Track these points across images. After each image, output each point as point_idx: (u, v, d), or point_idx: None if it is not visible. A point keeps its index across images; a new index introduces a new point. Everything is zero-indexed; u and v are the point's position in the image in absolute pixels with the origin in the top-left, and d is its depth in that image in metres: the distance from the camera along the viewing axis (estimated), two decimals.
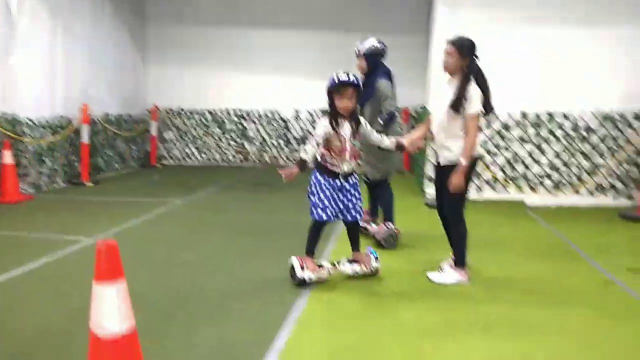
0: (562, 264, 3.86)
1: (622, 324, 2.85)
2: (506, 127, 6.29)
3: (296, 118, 9.92)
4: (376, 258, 3.52)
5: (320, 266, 3.41)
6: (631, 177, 6.00)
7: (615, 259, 4.00)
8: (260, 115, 10.00)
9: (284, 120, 9.95)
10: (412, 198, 6.47)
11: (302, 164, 3.20)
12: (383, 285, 3.45)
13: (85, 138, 7.47)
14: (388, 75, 4.37)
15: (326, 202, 3.35)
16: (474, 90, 3.32)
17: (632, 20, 5.81)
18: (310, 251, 3.45)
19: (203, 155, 10.28)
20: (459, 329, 2.75)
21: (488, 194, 6.39)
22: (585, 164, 6.09)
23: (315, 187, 3.39)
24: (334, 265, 3.46)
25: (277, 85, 9.78)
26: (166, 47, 10.01)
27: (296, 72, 9.64)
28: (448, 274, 3.51)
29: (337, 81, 3.24)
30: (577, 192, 6.12)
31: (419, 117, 9.07)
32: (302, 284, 3.29)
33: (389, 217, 4.43)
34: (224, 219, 5.45)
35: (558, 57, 5.86)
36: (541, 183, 6.23)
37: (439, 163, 3.53)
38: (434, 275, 3.55)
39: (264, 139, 10.07)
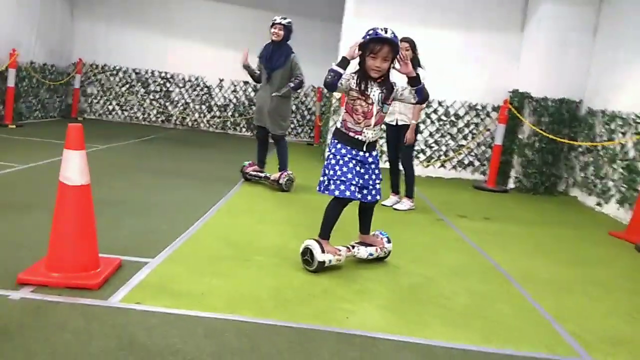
0: (416, 212, 5.05)
1: (441, 243, 4.07)
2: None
3: (220, 87, 10.64)
4: (388, 239, 3.34)
5: (338, 250, 3.08)
6: (485, 157, 7.45)
7: (453, 210, 5.28)
8: (184, 80, 10.61)
9: (207, 87, 10.64)
10: (316, 162, 7.56)
11: (342, 61, 2.85)
12: (288, 197, 4.49)
13: (11, 82, 7.77)
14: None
15: (349, 176, 2.93)
16: (421, 74, 4.57)
17: (501, 29, 7.20)
18: (326, 234, 3.07)
19: (125, 112, 10.72)
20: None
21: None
22: (452, 143, 7.46)
23: (336, 159, 2.98)
24: (348, 248, 3.16)
25: (204, 53, 10.40)
26: (95, 3, 10.31)
27: (222, 43, 10.31)
28: (403, 204, 5.04)
29: (373, 36, 2.77)
30: (443, 166, 7.48)
31: (327, 95, 10.16)
32: (320, 268, 2.96)
33: (285, 166, 5.42)
34: (145, 164, 6.21)
35: (440, 55, 7.12)
36: (416, 157, 7.54)
37: (397, 124, 4.91)
38: (397, 205, 5.04)
39: (187, 103, 10.71)
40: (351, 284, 2.91)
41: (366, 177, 3.05)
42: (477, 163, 7.51)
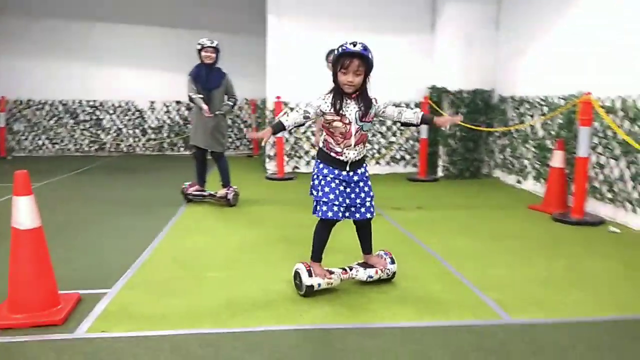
0: None
1: (378, 236, 4.42)
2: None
3: (151, 109, 10.61)
4: (392, 260, 3.16)
5: (330, 272, 3.00)
6: (415, 150, 7.95)
7: (389, 203, 5.67)
8: (114, 106, 10.51)
9: (139, 111, 10.58)
10: (258, 174, 7.78)
11: (277, 126, 2.84)
12: (234, 211, 4.70)
13: None
14: None
15: (331, 197, 2.87)
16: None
17: (414, 30, 7.70)
18: (317, 257, 3.01)
19: (55, 145, 10.48)
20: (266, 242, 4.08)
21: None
22: (383, 141, 7.91)
23: (319, 179, 2.93)
24: (344, 270, 3.05)
25: (131, 77, 10.37)
26: (14, 39, 10.03)
27: (149, 66, 10.34)
28: None
29: (341, 52, 2.74)
30: (378, 163, 7.92)
31: (261, 107, 10.41)
32: (310, 292, 2.90)
33: (228, 182, 5.62)
34: (86, 196, 6.21)
35: None
36: None
37: None
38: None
39: (119, 129, 10.60)
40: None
41: (352, 195, 2.95)
42: (408, 157, 8.00)
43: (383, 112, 2.93)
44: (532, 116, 6.32)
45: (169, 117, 10.67)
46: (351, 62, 2.73)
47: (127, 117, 10.58)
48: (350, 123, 2.83)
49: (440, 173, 7.47)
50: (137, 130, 10.64)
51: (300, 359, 2.27)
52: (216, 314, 2.74)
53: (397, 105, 3.01)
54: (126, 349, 2.33)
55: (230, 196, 5.45)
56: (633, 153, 4.50)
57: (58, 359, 2.24)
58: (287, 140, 7.80)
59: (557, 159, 5.29)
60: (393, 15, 7.66)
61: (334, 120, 2.83)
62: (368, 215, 3.02)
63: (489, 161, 7.45)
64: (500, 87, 7.16)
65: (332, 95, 2.84)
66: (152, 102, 10.57)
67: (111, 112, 10.53)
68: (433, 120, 2.96)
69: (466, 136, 7.27)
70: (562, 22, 5.69)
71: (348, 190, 2.95)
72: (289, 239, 4.21)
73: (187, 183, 5.70)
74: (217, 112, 5.39)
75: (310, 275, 2.90)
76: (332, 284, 2.98)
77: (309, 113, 2.84)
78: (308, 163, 7.96)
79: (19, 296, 2.58)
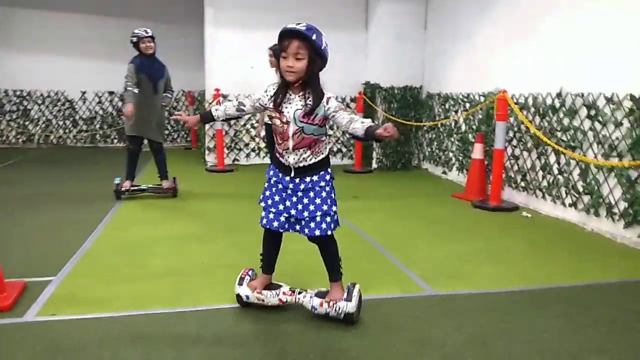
0: None
1: None
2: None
3: (83, 99, 10.29)
4: (347, 297, 2.53)
5: (273, 287, 2.71)
6: (351, 143, 8.30)
7: None
8: (43, 96, 10.10)
9: (69, 101, 10.24)
10: (197, 166, 7.82)
11: (205, 115, 2.63)
12: (174, 204, 4.79)
13: None
14: None
15: (269, 202, 2.53)
16: None
17: (349, 28, 8.03)
18: (264, 268, 2.73)
19: None
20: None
21: (254, 160, 8.12)
22: None
23: (266, 183, 2.59)
24: (291, 292, 2.68)
25: (60, 66, 10.01)
26: None
27: (79, 54, 10.02)
28: None
29: (281, 33, 2.33)
30: None
31: (200, 99, 10.40)
32: (240, 301, 2.69)
33: (166, 174, 5.66)
34: (15, 191, 6.04)
35: None
36: None
37: None
38: None
39: (48, 120, 10.21)
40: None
41: (299, 207, 2.47)
42: (344, 149, 8.34)
43: (333, 116, 2.38)
44: (456, 112, 6.82)
45: (101, 108, 10.41)
46: (290, 43, 2.29)
47: (56, 108, 10.21)
48: (288, 122, 2.39)
49: (374, 165, 7.86)
50: (67, 122, 10.30)
51: (243, 334, 2.48)
52: (163, 296, 2.89)
53: (346, 111, 2.41)
54: (77, 331, 2.44)
55: (176, 186, 5.51)
56: (542, 146, 5.04)
57: (9, 342, 2.32)
58: (226, 133, 7.90)
59: (477, 151, 5.78)
60: (330, 11, 7.93)
61: (273, 117, 2.44)
62: (317, 232, 2.47)
63: (418, 154, 7.93)
64: (428, 84, 7.63)
65: (276, 87, 2.44)
66: (84, 92, 10.27)
67: (39, 102, 10.12)
68: (376, 132, 2.23)
69: (398, 130, 7.68)
70: (481, 24, 6.19)
71: (294, 199, 2.48)
72: (233, 229, 4.38)
73: (118, 180, 5.45)
74: (163, 103, 5.44)
75: (240, 283, 2.68)
76: (263, 301, 2.64)
77: (244, 106, 2.55)
78: (247, 155, 8.10)
79: None
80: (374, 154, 7.85)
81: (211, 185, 6.40)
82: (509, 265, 3.54)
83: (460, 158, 6.67)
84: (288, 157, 2.46)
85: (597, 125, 4.37)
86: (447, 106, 7.03)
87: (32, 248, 3.73)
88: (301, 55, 2.30)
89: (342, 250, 3.11)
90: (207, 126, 8.00)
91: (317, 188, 2.48)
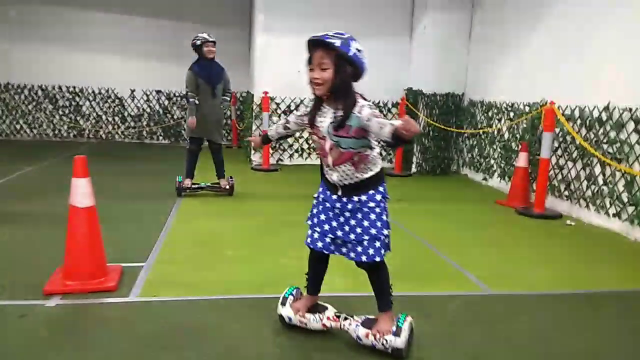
0: None
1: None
2: None
3: (132, 97, 10.76)
4: (396, 331, 2.27)
5: (318, 309, 2.53)
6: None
7: None
8: (94, 92, 10.60)
9: (119, 98, 10.71)
10: (243, 165, 8.17)
11: (264, 137, 2.67)
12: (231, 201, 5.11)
13: None
14: None
15: (316, 221, 2.37)
16: None
17: (393, 35, 8.26)
18: (309, 289, 2.57)
19: (34, 130, 10.49)
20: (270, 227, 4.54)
21: (297, 160, 8.43)
22: None
23: (314, 200, 2.43)
24: (336, 317, 2.48)
25: (112, 65, 10.48)
26: None
27: (132, 54, 10.48)
28: None
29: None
30: None
31: (242, 100, 10.76)
32: (283, 322, 2.56)
33: (224, 173, 5.98)
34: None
35: None
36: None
37: None
38: None
39: (98, 116, 10.71)
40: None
41: (346, 228, 2.28)
42: (384, 153, 8.59)
43: (367, 125, 2.11)
44: (499, 120, 7.00)
45: (148, 106, 10.85)
46: (313, 53, 2.17)
47: (106, 104, 10.69)
48: (324, 138, 2.25)
49: (414, 169, 8.08)
50: (116, 118, 10.77)
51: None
52: (246, 283, 3.19)
53: (378, 118, 2.10)
54: (178, 310, 2.76)
55: (233, 185, 5.82)
56: (588, 157, 5.21)
57: (124, 318, 2.65)
58: None
59: (521, 160, 5.96)
60: (376, 19, 8.18)
61: (311, 133, 2.34)
62: (363, 258, 2.26)
63: (457, 159, 8.12)
64: (471, 92, 7.82)
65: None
66: (133, 90, 10.72)
67: (91, 98, 10.61)
68: (397, 130, 1.94)
69: (438, 135, 7.90)
70: (530, 35, 6.37)
71: (341, 220, 2.30)
72: (290, 224, 4.67)
73: (180, 178, 5.67)
74: (222, 105, 5.75)
75: (283, 303, 2.56)
76: (306, 325, 2.49)
77: (289, 123, 2.51)
78: (291, 156, 8.42)
79: (75, 266, 2.94)
80: (414, 158, 8.07)
81: (260, 184, 6.72)
82: (559, 270, 3.74)
83: (502, 165, 6.85)
84: (332, 174, 2.28)
85: None
86: (490, 114, 7.21)
87: (118, 236, 4.08)
88: (326, 64, 2.15)
89: (399, 250, 3.09)
90: (253, 127, 8.35)
91: (365, 209, 2.25)
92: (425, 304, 2.99)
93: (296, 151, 8.44)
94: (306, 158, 8.44)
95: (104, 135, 10.76)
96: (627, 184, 4.72)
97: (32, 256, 3.54)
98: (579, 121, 5.38)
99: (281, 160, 8.39)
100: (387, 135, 2.00)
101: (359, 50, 2.18)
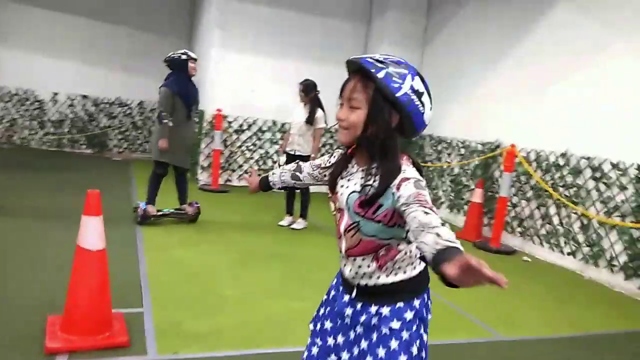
0: (308, 230, 5.79)
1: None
2: (261, 130, 8.17)
3: (54, 101, 9.78)
4: None
5: None
6: None
7: None
8: (11, 93, 9.49)
9: (39, 102, 9.69)
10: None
11: (264, 181, 1.88)
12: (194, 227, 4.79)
13: None
14: None
15: (319, 328, 1.63)
16: (319, 113, 5.47)
17: None
18: None
19: None
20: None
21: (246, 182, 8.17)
22: None
23: (325, 295, 1.69)
24: None
25: (35, 64, 9.48)
26: None
27: (56, 54, 9.56)
28: (299, 223, 5.75)
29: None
30: None
31: None
32: None
33: (186, 199, 5.57)
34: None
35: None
36: None
37: (294, 154, 5.52)
38: (294, 225, 5.71)
39: (14, 119, 9.59)
40: None
41: (355, 351, 1.52)
42: None
43: (404, 211, 1.32)
44: (449, 154, 7.33)
45: (72, 112, 9.93)
46: (346, 83, 1.48)
47: (24, 107, 9.61)
48: (341, 210, 1.54)
49: None
50: (34, 122, 9.72)
51: None
52: (257, 331, 2.98)
53: (424, 207, 1.28)
54: None
55: (199, 211, 5.45)
56: (543, 197, 5.61)
57: None
58: (222, 153, 7.89)
59: (477, 196, 6.28)
60: (336, 41, 8.22)
61: (330, 198, 1.63)
62: None
63: None
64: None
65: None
66: (55, 94, 9.75)
67: (6, 99, 9.48)
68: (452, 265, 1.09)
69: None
70: (485, 77, 6.77)
71: (351, 336, 1.54)
72: (275, 257, 4.48)
73: (141, 203, 5.11)
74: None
75: None
76: None
77: (301, 173, 1.80)
78: (240, 177, 8.14)
79: (80, 317, 2.56)
80: None
81: (216, 208, 6.35)
82: (536, 309, 3.94)
83: (452, 198, 7.17)
84: (345, 265, 1.56)
85: (601, 186, 4.98)
86: (439, 148, 7.53)
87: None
88: (357, 101, 1.43)
89: None
90: (202, 145, 7.97)
91: (384, 329, 1.46)
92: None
93: (245, 172, 8.18)
94: None
95: (18, 141, 9.64)
96: (583, 226, 5.15)
97: None
98: (535, 164, 5.79)
99: (229, 180, 8.08)
100: (427, 251, 1.16)
101: (417, 93, 1.41)
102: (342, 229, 1.54)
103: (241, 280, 3.81)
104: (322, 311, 1.65)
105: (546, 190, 5.48)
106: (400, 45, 7.98)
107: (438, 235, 1.17)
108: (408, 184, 1.36)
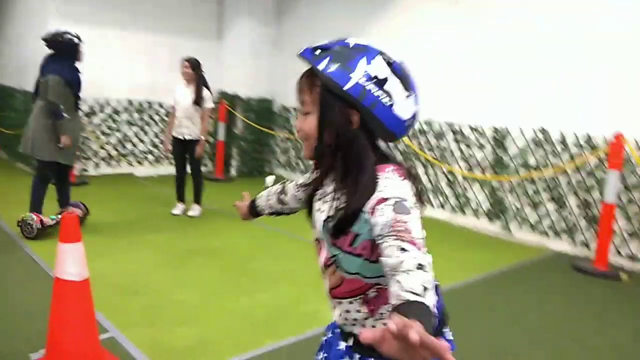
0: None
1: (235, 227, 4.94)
2: (116, 111, 7.43)
3: None
4: None
5: None
6: (212, 152, 8.35)
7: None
8: None
9: None
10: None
11: (252, 206, 1.60)
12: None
13: None
14: None
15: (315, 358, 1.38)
16: (206, 93, 5.21)
17: (200, 37, 8.02)
18: None
19: None
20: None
21: (104, 169, 7.42)
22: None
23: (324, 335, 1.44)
24: None
25: None
26: None
27: None
28: (195, 210, 5.52)
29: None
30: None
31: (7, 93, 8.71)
32: None
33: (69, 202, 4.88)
34: None
35: (152, 59, 7.45)
36: (146, 158, 7.79)
37: (184, 138, 5.22)
38: (189, 212, 5.49)
39: None
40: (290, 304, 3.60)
41: None
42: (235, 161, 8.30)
43: (380, 244, 1.01)
44: None
45: None
46: (298, 83, 1.23)
47: None
48: (320, 242, 1.27)
49: (234, 172, 8.13)
50: None
51: None
52: (249, 332, 2.98)
53: (402, 239, 0.97)
54: None
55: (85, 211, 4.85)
56: (412, 159, 6.37)
57: None
58: None
59: None
60: (183, 15, 7.78)
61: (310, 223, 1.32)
62: None
63: (272, 161, 8.54)
64: (282, 97, 8.25)
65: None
66: None
67: None
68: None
69: (255, 139, 8.15)
70: None
71: None
72: (195, 249, 4.35)
73: (32, 215, 4.32)
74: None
75: None
76: None
77: (286, 195, 1.53)
78: (97, 165, 7.36)
79: (68, 355, 2.25)
80: (233, 162, 8.11)
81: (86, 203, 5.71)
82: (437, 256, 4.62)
83: None
84: (333, 307, 1.29)
85: (463, 146, 5.88)
86: None
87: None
88: (307, 105, 1.19)
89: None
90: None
91: None
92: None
93: (103, 159, 7.41)
94: (115, 167, 7.52)
95: None
96: (450, 182, 6.04)
97: None
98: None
99: (85, 170, 7.23)
100: (392, 302, 0.91)
101: (376, 81, 1.10)
102: (322, 259, 1.25)
103: (182, 282, 3.64)
104: (320, 356, 1.36)
105: (415, 152, 6.23)
106: (255, 15, 7.93)
107: (400, 285, 0.89)
108: (385, 207, 1.03)
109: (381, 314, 1.20)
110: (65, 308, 2.24)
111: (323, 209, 1.21)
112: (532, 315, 3.46)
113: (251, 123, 7.95)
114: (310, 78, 1.18)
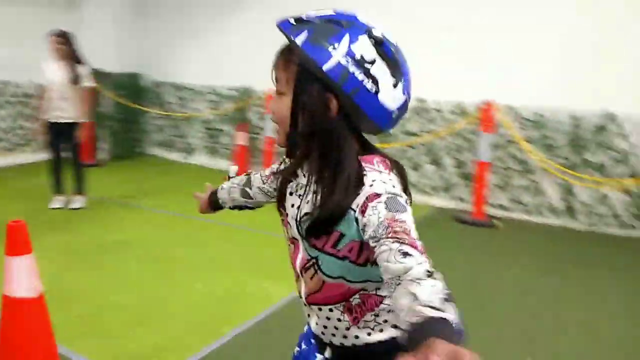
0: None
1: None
2: None
3: None
4: None
5: None
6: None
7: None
8: None
9: None
10: None
11: (213, 199, 1.46)
12: None
13: None
14: None
15: None
16: (84, 69, 4.70)
17: (58, 5, 7.04)
18: None
19: None
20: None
21: None
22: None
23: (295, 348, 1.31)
24: None
25: None
26: None
27: None
28: (79, 201, 5.01)
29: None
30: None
31: None
32: None
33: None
34: None
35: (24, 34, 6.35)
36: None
37: (59, 122, 4.67)
38: (72, 205, 4.97)
39: None
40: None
41: None
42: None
43: (374, 247, 0.91)
44: (192, 101, 7.37)
45: None
46: (275, 59, 1.08)
47: None
48: (294, 241, 1.13)
49: (104, 155, 7.44)
50: None
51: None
52: (210, 325, 2.89)
53: (401, 242, 0.87)
54: None
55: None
56: None
57: None
58: None
59: (242, 139, 6.69)
60: None
61: (281, 218, 1.18)
62: None
63: (145, 141, 7.96)
64: (156, 71, 7.66)
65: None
66: None
67: None
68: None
69: (125, 118, 7.52)
70: (221, 25, 6.96)
71: None
72: (101, 245, 4.00)
73: None
74: None
75: None
76: None
77: (251, 188, 1.38)
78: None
79: None
80: (103, 144, 7.40)
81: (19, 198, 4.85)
82: None
83: (209, 145, 7.35)
84: (308, 315, 1.19)
85: None
86: (183, 95, 7.45)
87: None
88: (280, 84, 1.06)
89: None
90: None
91: None
92: None
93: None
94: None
95: None
96: None
97: None
98: None
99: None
100: (404, 317, 0.79)
101: (360, 63, 0.96)
102: (297, 266, 1.11)
103: (110, 283, 3.33)
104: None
105: None
106: None
107: (415, 297, 0.78)
108: (377, 204, 0.93)
109: (366, 322, 1.07)
110: (17, 331, 1.95)
111: (299, 204, 1.06)
112: None
113: (119, 100, 7.31)
114: (287, 53, 1.03)
